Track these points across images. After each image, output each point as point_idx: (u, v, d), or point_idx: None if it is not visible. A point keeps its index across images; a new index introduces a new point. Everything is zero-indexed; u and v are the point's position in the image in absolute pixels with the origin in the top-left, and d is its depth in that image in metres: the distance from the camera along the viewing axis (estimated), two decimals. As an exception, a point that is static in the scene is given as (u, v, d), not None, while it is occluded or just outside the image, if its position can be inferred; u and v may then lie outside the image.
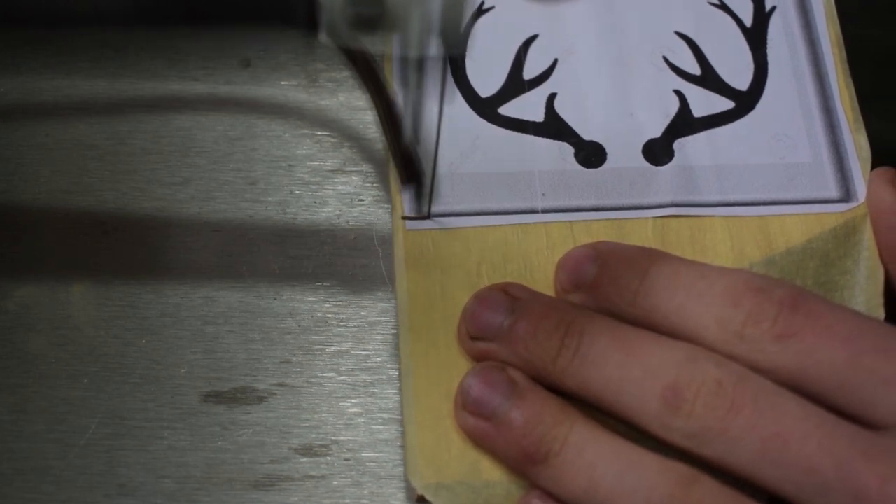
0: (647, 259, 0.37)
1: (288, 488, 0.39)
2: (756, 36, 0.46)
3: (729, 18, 0.46)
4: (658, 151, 0.43)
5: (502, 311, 0.38)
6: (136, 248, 0.43)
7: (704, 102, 0.44)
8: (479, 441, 0.37)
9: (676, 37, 0.46)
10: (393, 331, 0.42)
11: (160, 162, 0.45)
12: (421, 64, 0.35)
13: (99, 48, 0.46)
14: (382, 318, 0.42)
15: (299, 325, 0.42)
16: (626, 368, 0.35)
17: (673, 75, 0.45)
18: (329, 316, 0.42)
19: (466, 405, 0.37)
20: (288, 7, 0.35)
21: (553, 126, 0.44)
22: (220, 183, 0.44)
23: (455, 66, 0.44)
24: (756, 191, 0.42)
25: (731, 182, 0.43)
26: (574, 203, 0.42)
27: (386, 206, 0.44)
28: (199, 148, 0.45)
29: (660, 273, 0.36)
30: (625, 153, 0.43)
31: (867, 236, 0.41)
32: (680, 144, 0.43)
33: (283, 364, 0.41)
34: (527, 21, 0.46)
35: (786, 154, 0.43)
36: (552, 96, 0.44)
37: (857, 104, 0.44)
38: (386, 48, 0.43)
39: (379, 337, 0.42)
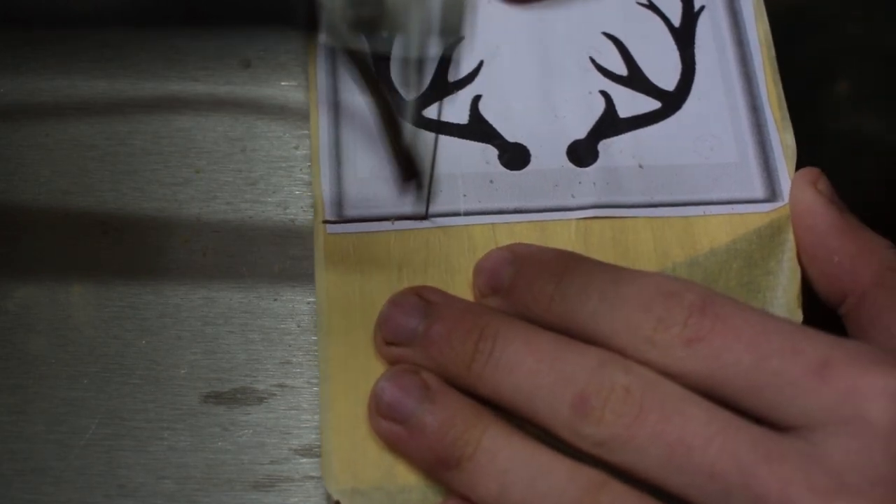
0: (562, 264, 0.37)
1: (288, 489, 0.40)
2: (684, 36, 0.45)
3: (657, 18, 0.46)
4: (582, 153, 0.43)
5: (416, 316, 0.37)
6: (136, 249, 0.43)
7: (630, 103, 0.44)
8: (393, 446, 0.37)
9: (604, 37, 0.45)
10: (393, 331, 0.42)
11: (160, 162, 0.45)
12: (421, 64, 0.35)
13: (99, 48, 0.46)
14: (382, 319, 0.42)
15: (299, 326, 0.42)
16: (538, 375, 0.35)
17: (599, 76, 0.44)
18: (329, 316, 0.42)
19: (380, 409, 0.36)
20: (288, 7, 0.35)
21: (477, 128, 0.43)
22: (220, 183, 0.44)
23: (379, 67, 0.44)
24: (681, 191, 0.42)
25: (656, 183, 0.42)
26: (497, 205, 0.42)
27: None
28: (199, 148, 0.45)
29: (574, 278, 0.36)
30: (549, 155, 0.43)
31: (791, 237, 0.41)
32: (605, 145, 0.43)
33: (284, 365, 0.41)
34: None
35: (711, 154, 0.43)
36: (477, 98, 0.44)
37: (784, 103, 0.44)
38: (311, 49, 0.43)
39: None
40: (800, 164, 0.42)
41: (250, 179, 0.44)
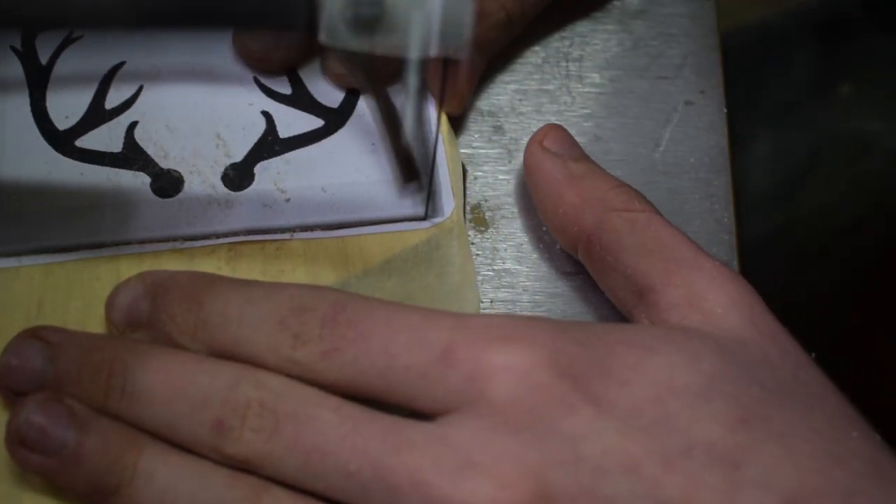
0: (199, 288, 0.36)
1: (288, 490, 0.39)
2: None
3: None
4: (237, 176, 0.42)
5: (40, 360, 0.36)
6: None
7: (293, 122, 0.43)
8: (46, 479, 0.35)
9: None
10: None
11: (161, 163, 0.45)
12: (421, 65, 0.35)
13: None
14: (383, 320, 0.42)
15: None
16: (174, 403, 0.34)
17: (263, 96, 0.44)
18: (329, 317, 0.42)
19: (27, 442, 0.34)
20: (288, 8, 0.35)
21: (131, 156, 0.42)
22: (220, 184, 0.44)
23: (34, 98, 0.43)
24: (337, 212, 0.42)
25: (313, 204, 0.42)
26: (144, 234, 0.41)
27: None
28: (200, 149, 0.45)
29: (213, 304, 0.36)
30: (203, 180, 0.42)
31: (455, 246, 0.40)
32: (262, 168, 0.42)
33: (284, 365, 0.41)
34: (114, 48, 0.44)
35: (372, 172, 0.42)
36: (133, 125, 0.43)
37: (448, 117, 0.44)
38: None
39: (379, 338, 0.42)
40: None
41: (251, 180, 0.44)
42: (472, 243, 0.44)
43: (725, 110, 0.47)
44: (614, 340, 0.34)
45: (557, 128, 0.42)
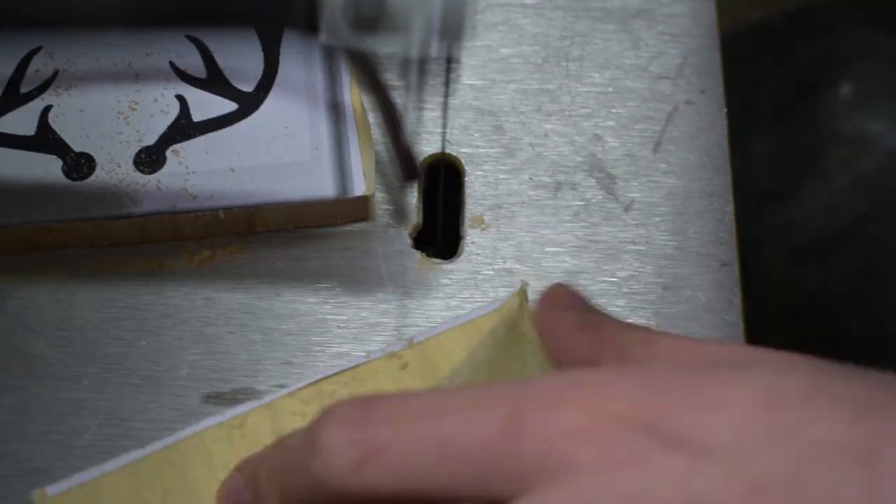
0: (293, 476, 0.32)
1: (288, 489, 0.39)
2: (271, 32, 0.45)
3: None
4: (149, 159, 0.42)
5: None
6: (137, 249, 0.43)
7: (207, 106, 0.43)
8: None
9: (187, 41, 0.45)
10: (394, 332, 0.42)
11: (161, 163, 0.45)
12: (422, 64, 0.35)
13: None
14: (383, 320, 0.42)
15: (300, 327, 0.42)
16: None
17: (178, 80, 0.44)
18: (329, 317, 0.42)
19: None
20: (288, 7, 0.35)
21: (44, 139, 0.42)
22: (220, 184, 0.44)
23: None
24: (246, 194, 0.42)
25: (223, 186, 0.42)
26: (56, 216, 0.41)
27: (386, 206, 0.44)
28: (200, 149, 0.45)
29: None
30: (116, 163, 0.42)
31: (527, 326, 0.38)
32: (173, 151, 0.43)
33: (284, 365, 0.41)
34: (32, 33, 0.44)
35: (284, 154, 0.43)
36: (47, 108, 0.43)
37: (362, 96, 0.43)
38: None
39: (379, 339, 0.42)
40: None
41: (251, 180, 0.44)
42: (473, 242, 0.44)
43: (725, 110, 0.47)
44: (691, 370, 0.31)
45: (564, 286, 0.40)
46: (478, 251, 0.43)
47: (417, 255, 0.44)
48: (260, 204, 0.42)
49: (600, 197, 0.45)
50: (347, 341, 0.42)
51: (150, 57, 0.44)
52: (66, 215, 0.41)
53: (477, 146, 0.46)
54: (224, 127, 0.43)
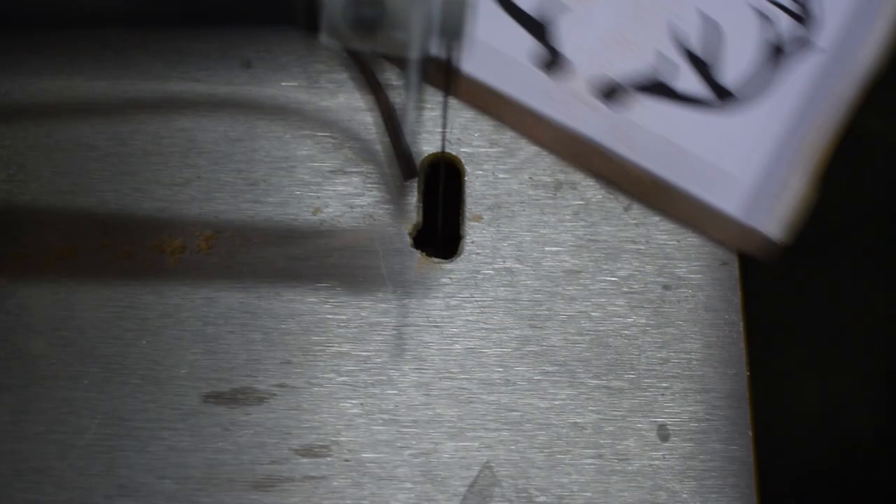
0: None
1: (288, 489, 0.39)
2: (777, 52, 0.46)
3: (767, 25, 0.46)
4: (609, 91, 0.44)
5: None
6: (137, 249, 0.43)
7: (691, 83, 0.45)
8: None
9: (696, 13, 0.45)
10: (393, 331, 0.42)
11: (161, 163, 0.45)
12: (422, 64, 0.35)
13: (100, 49, 0.46)
14: (383, 319, 0.42)
15: (300, 326, 0.42)
16: None
17: (675, 47, 0.45)
18: (329, 317, 0.42)
19: None
20: (289, 8, 0.35)
21: (534, 26, 0.44)
22: (220, 184, 0.44)
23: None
24: (661, 165, 0.43)
25: (656, 150, 0.43)
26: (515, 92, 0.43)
27: (386, 206, 0.44)
28: (200, 149, 0.45)
29: None
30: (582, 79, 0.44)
31: None
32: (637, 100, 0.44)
33: (284, 365, 0.41)
34: None
35: (718, 157, 0.44)
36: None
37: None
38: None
39: (379, 338, 0.42)
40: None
41: (251, 180, 0.45)
42: (472, 242, 0.44)
43: (726, 110, 0.47)
44: None
45: None
46: (478, 250, 0.43)
47: (417, 254, 0.44)
48: (664, 179, 0.43)
49: (600, 196, 0.45)
50: (347, 341, 0.42)
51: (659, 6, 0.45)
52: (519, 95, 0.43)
53: (477, 146, 0.46)
54: (689, 106, 0.44)
